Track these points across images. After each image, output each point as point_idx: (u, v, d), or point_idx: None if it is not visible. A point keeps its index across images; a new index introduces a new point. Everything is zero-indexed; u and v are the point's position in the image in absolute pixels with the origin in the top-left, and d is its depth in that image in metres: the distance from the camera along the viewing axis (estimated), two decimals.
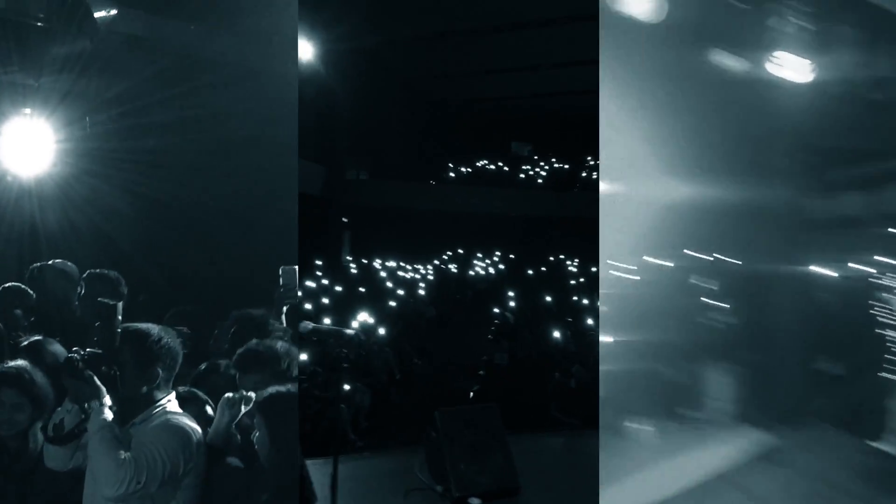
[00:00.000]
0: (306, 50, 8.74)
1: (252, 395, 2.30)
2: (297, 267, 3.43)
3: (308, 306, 9.52)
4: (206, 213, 4.62)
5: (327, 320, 7.97)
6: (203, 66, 4.63)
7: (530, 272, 14.16)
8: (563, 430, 5.12)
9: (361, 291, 11.59)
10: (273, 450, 2.26)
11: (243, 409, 2.31)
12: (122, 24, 4.30)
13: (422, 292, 11.64)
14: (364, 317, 8.67)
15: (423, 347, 8.20)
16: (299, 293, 3.35)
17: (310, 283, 11.34)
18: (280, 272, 3.30)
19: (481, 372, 7.00)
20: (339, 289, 11.48)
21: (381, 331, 8.20)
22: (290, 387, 2.38)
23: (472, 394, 6.27)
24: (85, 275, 3.36)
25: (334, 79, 13.12)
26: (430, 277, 13.51)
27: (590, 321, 9.20)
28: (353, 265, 15.03)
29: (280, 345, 2.60)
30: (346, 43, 11.95)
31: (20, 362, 2.49)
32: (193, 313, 3.41)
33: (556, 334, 8.38)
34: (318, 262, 13.91)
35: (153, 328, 2.33)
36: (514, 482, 3.46)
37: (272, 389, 2.35)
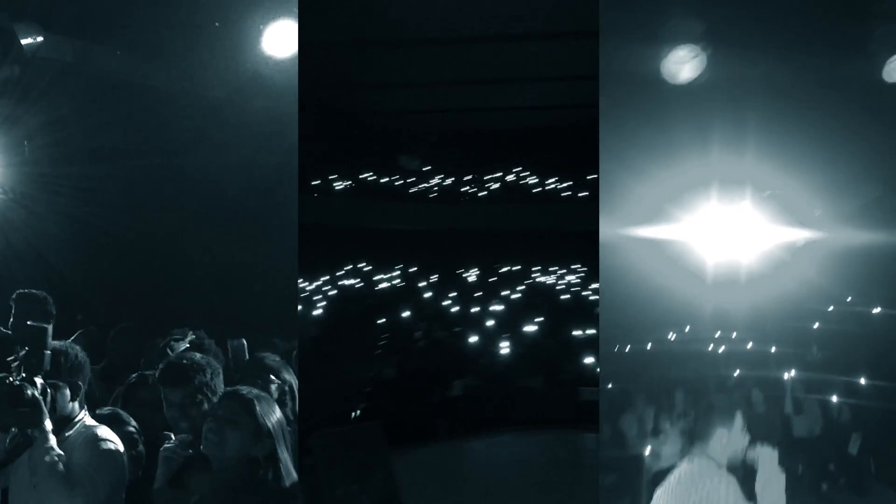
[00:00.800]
0: None
1: (188, 437, 2.29)
2: (244, 340, 3.73)
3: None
4: (145, 239, 4.89)
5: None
6: (149, 94, 4.81)
7: (421, 284, 14.14)
8: (452, 440, 5.06)
9: None
10: (221, 448, 2.17)
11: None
12: (55, 51, 4.39)
13: (303, 309, 11.14)
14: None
15: (306, 368, 7.78)
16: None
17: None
18: (228, 346, 3.38)
19: (368, 389, 6.77)
20: None
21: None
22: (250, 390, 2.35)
23: (357, 413, 6.02)
24: (14, 295, 3.48)
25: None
26: (314, 294, 13.02)
27: (479, 328, 9.21)
28: None
29: (200, 357, 2.64)
30: None
31: None
32: (136, 330, 3.63)
33: (448, 344, 8.30)
34: None
35: (66, 344, 2.45)
36: (396, 499, 3.40)
37: (244, 389, 2.30)
